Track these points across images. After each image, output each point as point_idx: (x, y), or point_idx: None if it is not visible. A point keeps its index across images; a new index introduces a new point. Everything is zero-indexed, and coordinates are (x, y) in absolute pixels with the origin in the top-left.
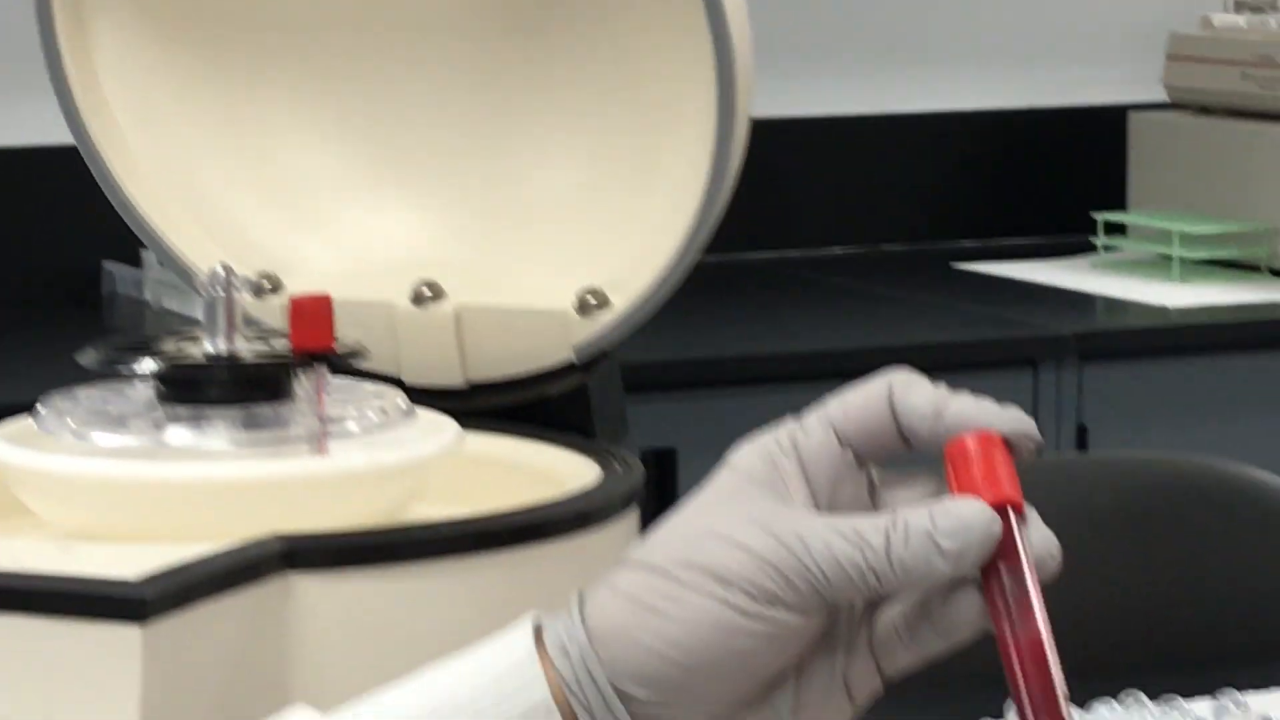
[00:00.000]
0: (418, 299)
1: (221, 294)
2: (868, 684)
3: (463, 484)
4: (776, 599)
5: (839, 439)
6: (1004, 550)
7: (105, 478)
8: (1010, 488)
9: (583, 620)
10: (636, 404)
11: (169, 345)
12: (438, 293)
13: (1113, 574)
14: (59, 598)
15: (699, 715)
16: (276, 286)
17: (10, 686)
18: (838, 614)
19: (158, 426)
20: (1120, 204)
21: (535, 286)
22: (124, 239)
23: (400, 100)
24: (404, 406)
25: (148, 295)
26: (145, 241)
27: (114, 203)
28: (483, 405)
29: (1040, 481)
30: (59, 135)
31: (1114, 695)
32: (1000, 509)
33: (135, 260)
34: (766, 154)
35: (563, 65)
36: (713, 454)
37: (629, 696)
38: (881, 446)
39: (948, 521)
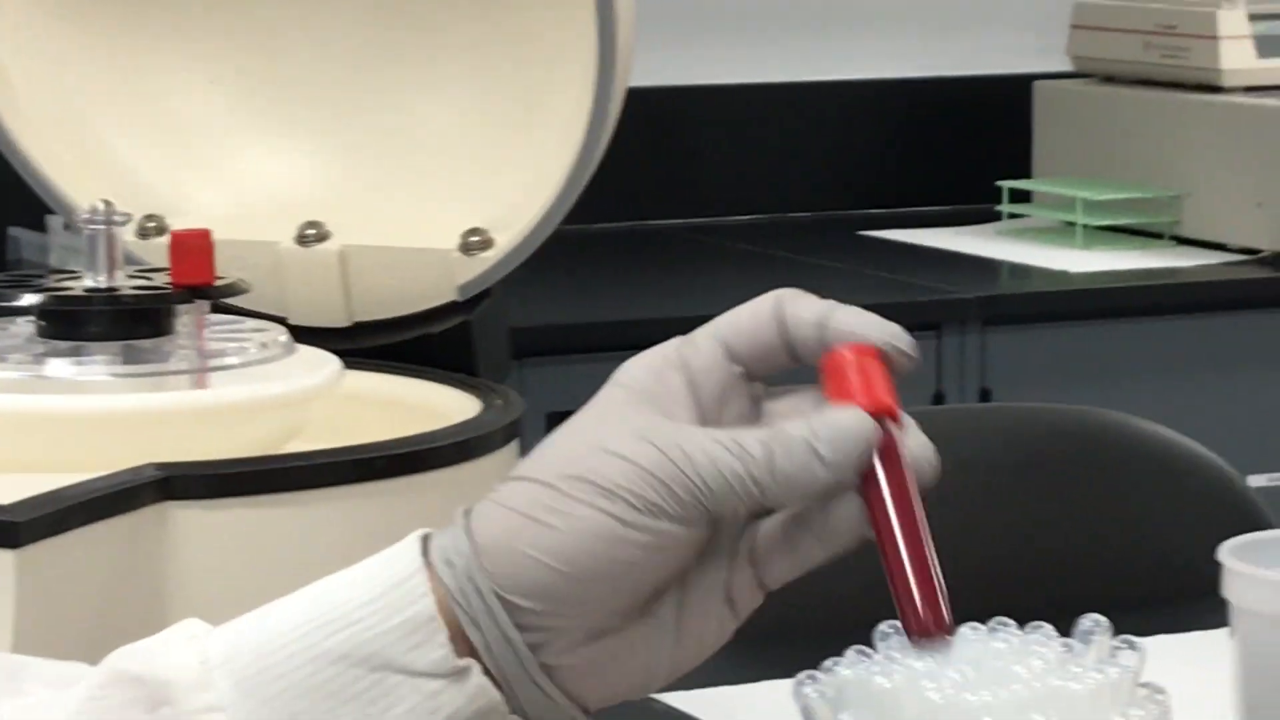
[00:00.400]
0: (302, 239)
1: (102, 228)
2: (749, 595)
3: (344, 420)
4: (659, 510)
5: (727, 355)
6: (883, 457)
7: None
8: (887, 396)
9: (468, 534)
10: (542, 366)
11: (50, 281)
12: (322, 233)
13: (1009, 522)
14: None
15: (583, 626)
16: (162, 229)
17: None
18: (720, 525)
19: (38, 360)
20: (1025, 172)
21: (419, 226)
22: (29, 205)
23: (287, 42)
24: (285, 341)
25: (53, 260)
26: (28, 180)
27: None
28: (367, 344)
29: (939, 431)
30: None
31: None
32: (878, 418)
33: (40, 226)
34: (675, 121)
35: (447, 7)
36: None
37: (514, 607)
38: (769, 361)
39: (827, 430)
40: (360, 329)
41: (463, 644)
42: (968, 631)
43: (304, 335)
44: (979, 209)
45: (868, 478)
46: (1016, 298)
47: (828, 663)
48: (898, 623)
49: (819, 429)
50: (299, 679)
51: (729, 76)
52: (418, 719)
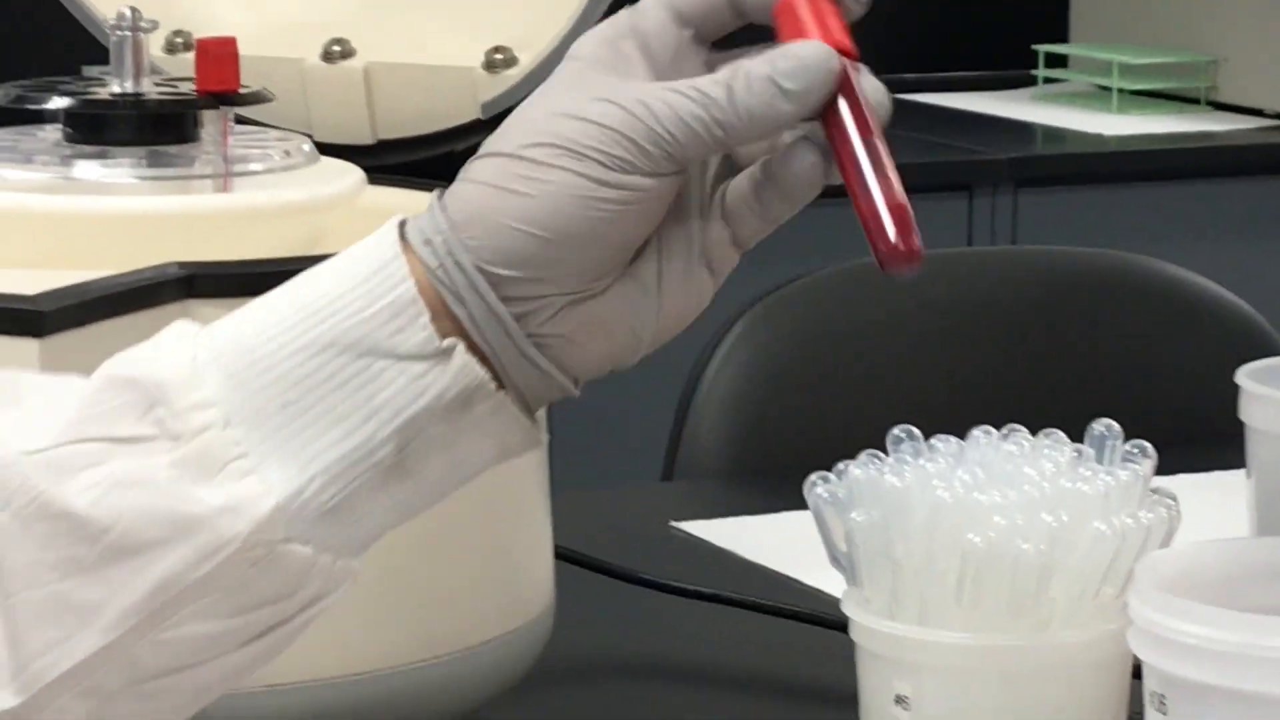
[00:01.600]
0: (328, 56)
1: (129, 34)
2: (725, 254)
3: (364, 232)
4: (629, 164)
5: (676, 19)
6: (841, 92)
7: (10, 208)
8: (843, 36)
9: (444, 212)
10: None
11: (76, 86)
12: (347, 50)
13: (1032, 360)
14: None
15: (566, 290)
16: (189, 44)
17: None
18: (690, 176)
19: (64, 163)
20: (1062, 37)
21: (444, 44)
22: (65, 54)
23: None
24: (308, 150)
25: None
26: None
27: None
28: (391, 162)
29: (967, 271)
30: None
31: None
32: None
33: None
34: None
35: None
36: None
37: (495, 278)
38: (716, 19)
39: (787, 62)
40: (384, 146)
41: (448, 323)
42: (979, 435)
43: (328, 152)
44: (1014, 74)
45: (829, 114)
46: (1049, 159)
47: (839, 465)
48: (910, 427)
49: (778, 61)
50: (287, 369)
51: None
52: (406, 400)
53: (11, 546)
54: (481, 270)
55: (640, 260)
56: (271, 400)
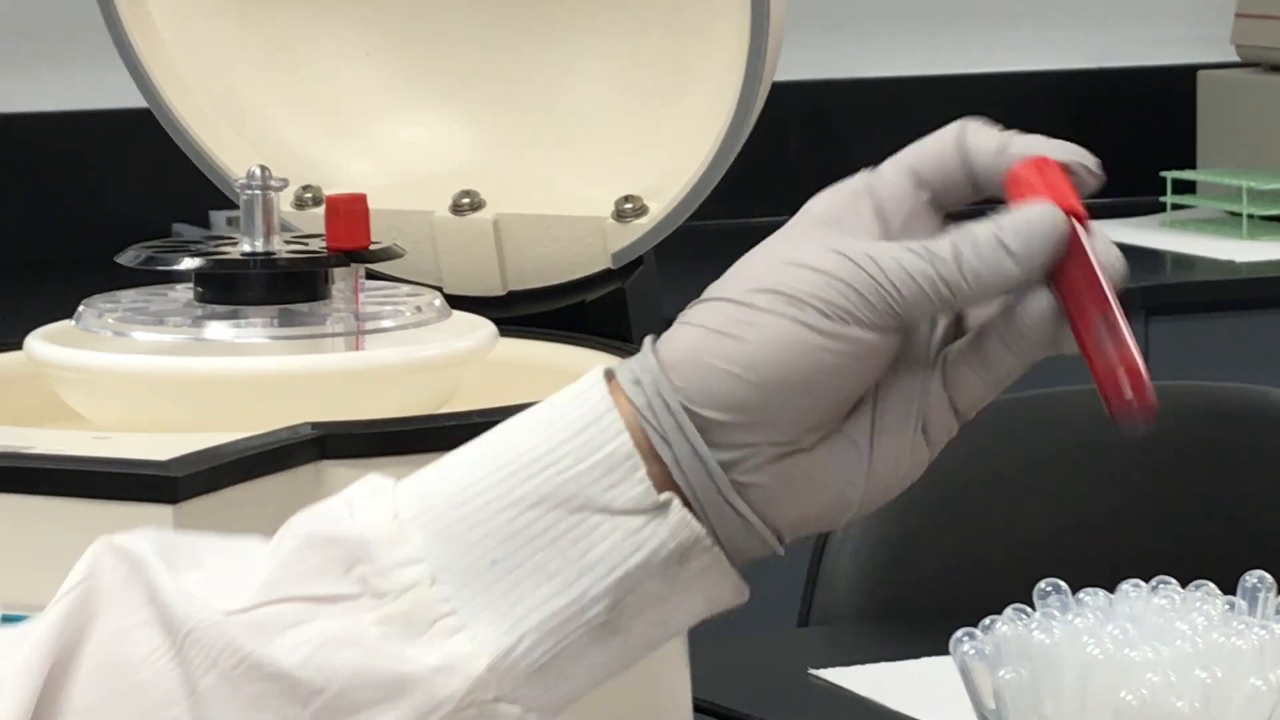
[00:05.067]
0: (457, 208)
1: (259, 193)
2: (943, 420)
3: (498, 386)
4: (850, 315)
5: (914, 182)
6: (1071, 256)
7: (143, 371)
8: (1073, 199)
9: (655, 353)
10: None
11: (207, 246)
12: (476, 202)
13: (1173, 497)
14: (94, 478)
15: (775, 441)
16: (318, 199)
17: (46, 569)
18: (912, 337)
19: (196, 324)
20: (1190, 163)
21: (573, 194)
22: (194, 200)
23: (440, 11)
24: (439, 305)
25: None
26: (188, 153)
27: (158, 116)
28: (522, 313)
29: (1097, 409)
30: (133, 99)
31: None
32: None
33: (204, 222)
34: (834, 115)
35: None
36: None
37: (705, 422)
38: (952, 189)
39: (1014, 223)
40: (515, 298)
41: (661, 478)
42: (1128, 588)
43: (459, 304)
44: (1143, 200)
45: (1059, 277)
46: (1181, 287)
47: (985, 620)
48: (1058, 581)
49: (1005, 223)
50: (496, 525)
51: (882, 70)
52: (621, 556)
53: (218, 710)
54: (689, 411)
55: (855, 418)
56: (481, 557)
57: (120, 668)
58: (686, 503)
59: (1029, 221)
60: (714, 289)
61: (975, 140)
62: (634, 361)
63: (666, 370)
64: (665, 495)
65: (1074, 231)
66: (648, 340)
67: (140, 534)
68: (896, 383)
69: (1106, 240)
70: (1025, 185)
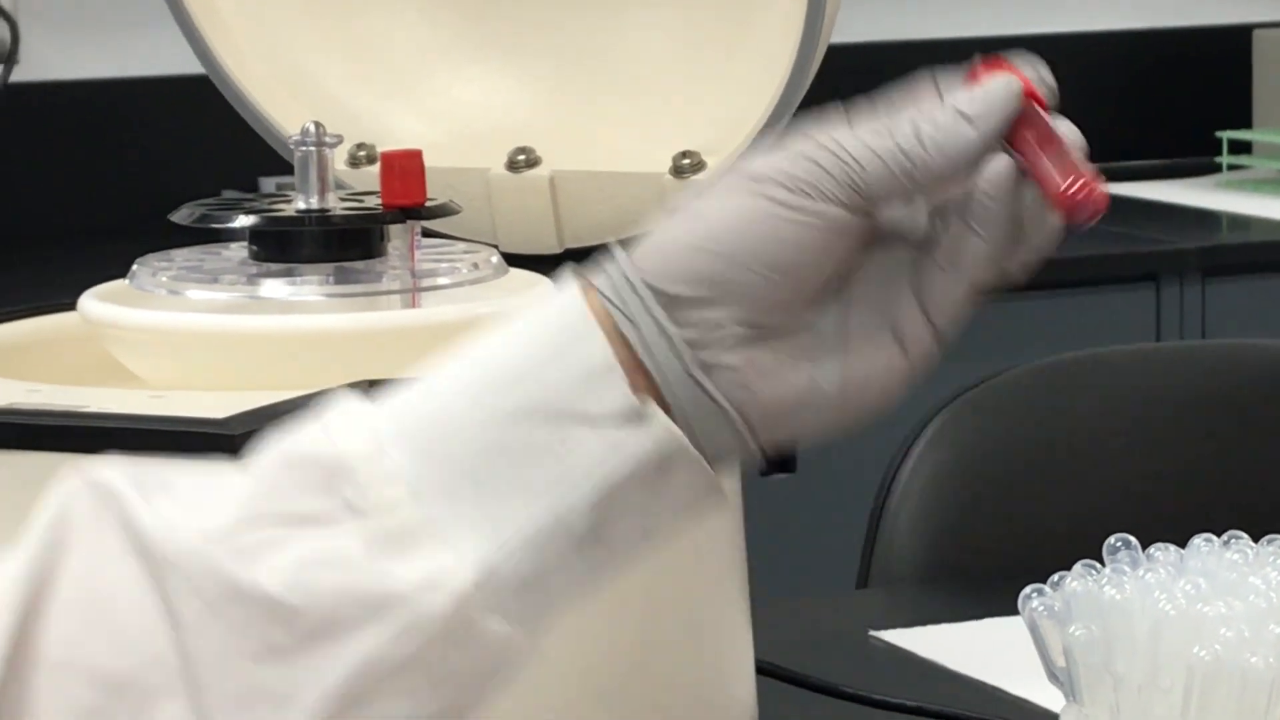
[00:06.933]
0: (513, 165)
1: (313, 149)
2: (916, 329)
3: None
4: (813, 189)
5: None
6: (1028, 122)
7: (198, 330)
8: (1030, 85)
9: (621, 245)
10: None
11: (261, 204)
12: (532, 159)
13: (1226, 459)
14: (151, 436)
15: (740, 318)
16: (373, 157)
17: None
18: (885, 245)
19: (251, 282)
20: (1246, 123)
21: (630, 150)
22: (243, 167)
23: None
24: (496, 262)
25: None
26: (242, 113)
27: (213, 78)
28: None
29: (1154, 369)
30: (186, 66)
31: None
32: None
33: (254, 188)
34: (888, 77)
35: None
36: None
37: (669, 298)
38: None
39: (969, 93)
40: (571, 255)
41: (639, 380)
42: (1200, 543)
43: (514, 263)
44: (1199, 161)
45: (1017, 139)
46: (1237, 248)
47: (1054, 577)
48: (1127, 536)
49: (960, 94)
50: (477, 441)
51: (943, 32)
52: (602, 467)
53: (201, 635)
54: (653, 289)
55: (825, 314)
56: (462, 473)
57: (98, 601)
58: (665, 406)
59: (984, 89)
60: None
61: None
62: (604, 263)
63: (633, 258)
64: (642, 398)
65: (1029, 99)
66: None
67: (110, 463)
68: (867, 283)
69: (1067, 122)
70: (981, 74)
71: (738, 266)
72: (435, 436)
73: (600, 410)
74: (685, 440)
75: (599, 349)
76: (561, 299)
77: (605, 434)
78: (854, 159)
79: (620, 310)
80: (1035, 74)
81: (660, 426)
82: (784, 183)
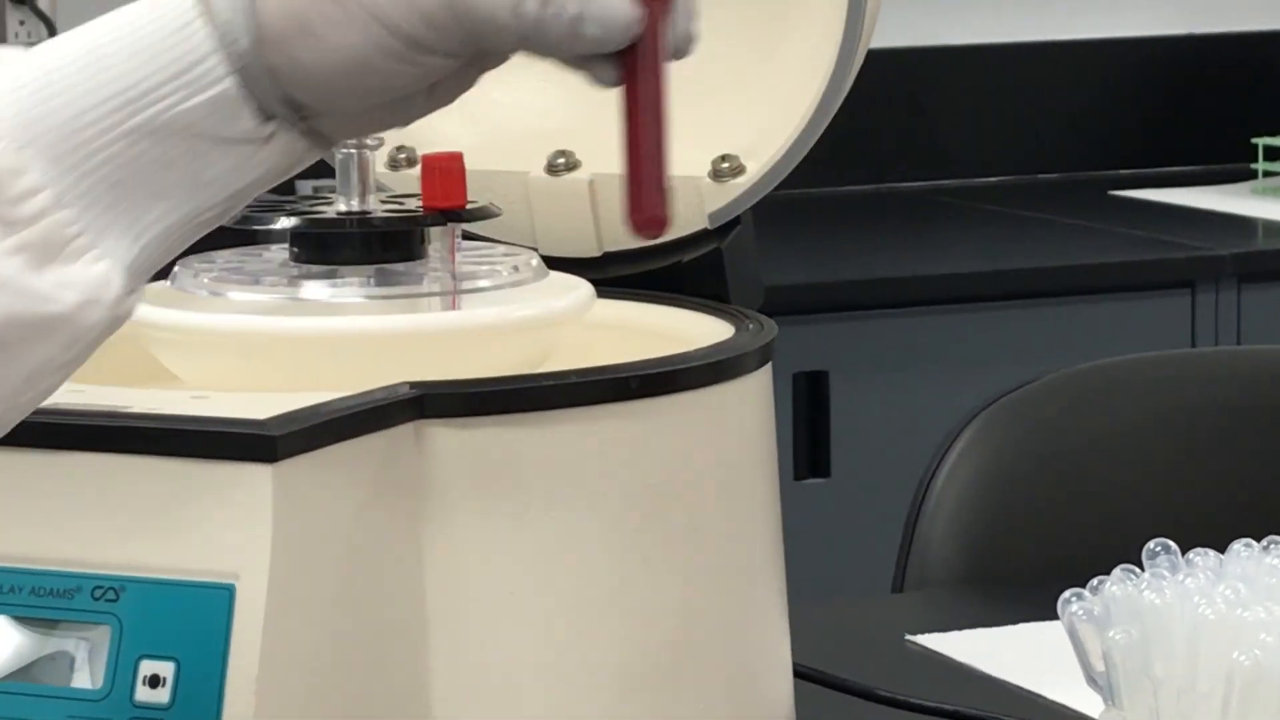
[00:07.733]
0: (552, 169)
1: (354, 152)
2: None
3: (595, 346)
4: (431, 49)
5: None
6: (645, 40)
7: (239, 331)
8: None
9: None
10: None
11: (302, 206)
12: (572, 162)
13: (1263, 466)
14: (192, 437)
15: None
16: (412, 160)
17: (145, 528)
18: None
19: (292, 284)
20: None
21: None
22: None
23: None
24: (536, 265)
25: None
26: None
27: None
28: (618, 274)
29: (1189, 375)
30: None
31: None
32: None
33: (290, 190)
34: (921, 82)
35: None
36: (863, 375)
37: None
38: None
39: (598, 9)
40: (610, 258)
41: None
42: (1239, 548)
43: (555, 265)
44: (1234, 168)
45: (625, 55)
46: (1272, 254)
47: (1094, 581)
48: (1167, 540)
49: (591, 5)
50: (115, 152)
51: (977, 37)
52: (234, 178)
53: None
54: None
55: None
56: (101, 181)
57: None
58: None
59: (611, 9)
60: None
61: None
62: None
63: (260, 45)
64: (270, 127)
65: (653, 24)
66: None
67: None
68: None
69: (688, 11)
70: None
71: (344, 94)
72: (74, 147)
73: (231, 134)
74: (306, 147)
75: (228, 87)
76: (188, 21)
77: (236, 151)
78: (477, 31)
79: (234, 50)
80: None
81: (284, 144)
82: (406, 40)
